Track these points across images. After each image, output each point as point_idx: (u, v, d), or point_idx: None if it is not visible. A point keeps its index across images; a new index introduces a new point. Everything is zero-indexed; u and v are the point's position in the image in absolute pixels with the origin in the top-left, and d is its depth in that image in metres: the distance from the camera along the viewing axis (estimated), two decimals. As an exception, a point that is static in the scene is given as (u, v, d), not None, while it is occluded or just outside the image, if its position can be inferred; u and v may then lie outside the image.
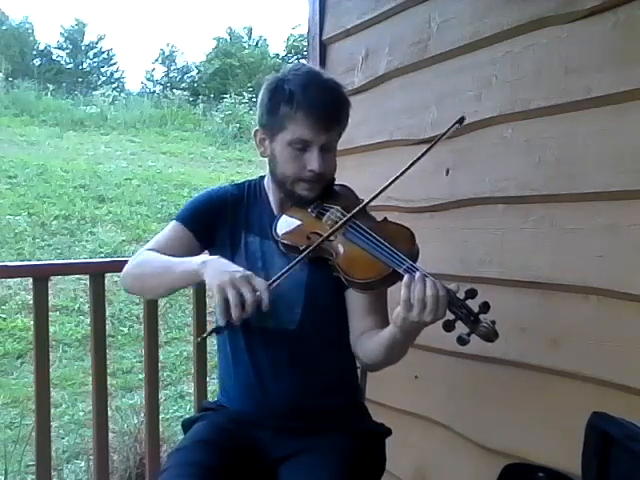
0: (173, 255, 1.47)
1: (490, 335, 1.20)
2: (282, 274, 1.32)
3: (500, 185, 1.73)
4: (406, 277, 1.22)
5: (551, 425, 1.62)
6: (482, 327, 1.19)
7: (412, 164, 1.41)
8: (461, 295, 1.22)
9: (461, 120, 1.46)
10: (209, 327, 2.32)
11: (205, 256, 1.42)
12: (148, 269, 1.48)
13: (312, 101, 1.42)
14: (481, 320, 1.20)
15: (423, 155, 1.42)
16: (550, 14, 1.57)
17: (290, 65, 1.55)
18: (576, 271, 1.55)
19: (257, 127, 1.53)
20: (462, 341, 1.19)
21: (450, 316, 1.21)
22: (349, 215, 1.41)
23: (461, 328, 1.21)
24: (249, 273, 1.29)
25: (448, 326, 1.21)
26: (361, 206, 1.43)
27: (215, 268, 1.32)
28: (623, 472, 1.25)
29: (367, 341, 1.44)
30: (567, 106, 1.55)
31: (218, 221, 1.56)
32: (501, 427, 1.76)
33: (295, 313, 1.49)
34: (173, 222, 1.57)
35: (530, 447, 1.66)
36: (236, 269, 1.30)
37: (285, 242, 1.48)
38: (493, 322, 1.20)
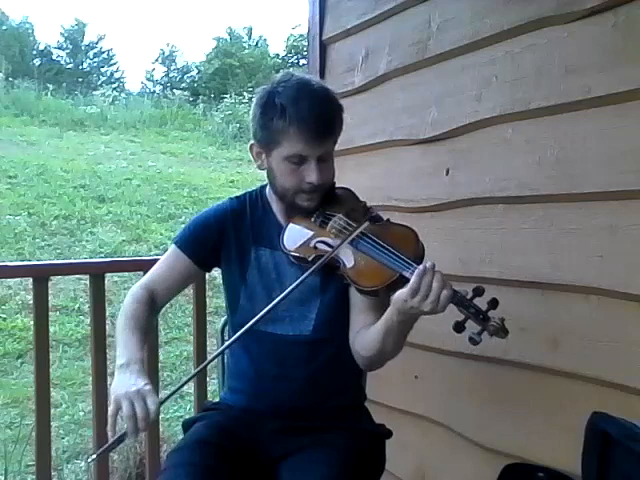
0: (174, 282, 1.58)
1: (500, 332, 1.21)
2: (180, 386, 1.38)
3: (500, 185, 1.73)
4: (420, 267, 1.24)
5: (551, 425, 1.62)
6: (491, 325, 1.21)
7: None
8: (468, 294, 1.22)
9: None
10: (208, 327, 2.34)
11: (123, 360, 1.37)
12: (119, 325, 1.49)
13: (305, 115, 1.39)
14: (490, 318, 1.21)
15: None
16: (550, 14, 1.57)
17: (279, 75, 1.49)
18: (576, 271, 1.55)
19: (252, 141, 1.52)
20: (473, 341, 1.20)
21: (459, 316, 1.22)
22: (351, 236, 1.42)
23: (471, 328, 1.21)
24: (146, 389, 1.28)
25: (458, 327, 1.21)
26: (358, 230, 1.43)
27: (118, 379, 1.33)
28: (623, 472, 1.25)
29: (365, 332, 1.44)
30: (567, 106, 1.55)
31: (221, 241, 1.56)
32: (501, 427, 1.76)
33: (310, 319, 1.50)
34: (172, 247, 1.59)
35: (530, 447, 1.65)
36: (133, 383, 1.30)
37: (293, 254, 1.49)
38: (502, 319, 1.21)
